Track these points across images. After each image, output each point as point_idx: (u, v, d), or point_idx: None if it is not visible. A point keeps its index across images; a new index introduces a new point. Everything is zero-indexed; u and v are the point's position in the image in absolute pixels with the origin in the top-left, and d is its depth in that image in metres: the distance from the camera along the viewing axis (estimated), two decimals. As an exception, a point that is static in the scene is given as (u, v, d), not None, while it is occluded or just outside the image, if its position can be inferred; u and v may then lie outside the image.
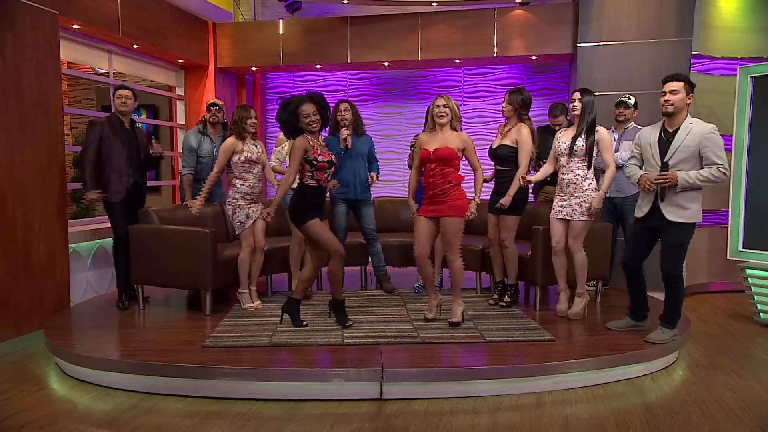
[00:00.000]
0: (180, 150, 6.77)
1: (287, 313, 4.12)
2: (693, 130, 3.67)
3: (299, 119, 3.94)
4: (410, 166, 4.45)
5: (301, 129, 3.96)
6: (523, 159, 4.36)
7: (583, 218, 4.20)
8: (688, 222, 3.72)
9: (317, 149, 3.95)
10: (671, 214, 3.72)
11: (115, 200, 4.63)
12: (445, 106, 4.04)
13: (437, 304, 4.27)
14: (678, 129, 3.71)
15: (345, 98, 5.16)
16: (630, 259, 3.97)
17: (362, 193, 4.95)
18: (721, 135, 3.75)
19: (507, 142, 4.45)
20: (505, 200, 4.37)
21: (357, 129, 4.94)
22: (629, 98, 5.00)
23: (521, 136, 4.38)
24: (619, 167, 4.81)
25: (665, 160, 3.73)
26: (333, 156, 4.06)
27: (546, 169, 4.44)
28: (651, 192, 3.77)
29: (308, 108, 3.92)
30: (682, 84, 3.69)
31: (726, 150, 5.45)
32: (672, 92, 3.69)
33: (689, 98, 3.70)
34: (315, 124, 3.95)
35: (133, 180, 4.69)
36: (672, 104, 3.68)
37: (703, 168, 3.66)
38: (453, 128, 4.09)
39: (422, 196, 4.19)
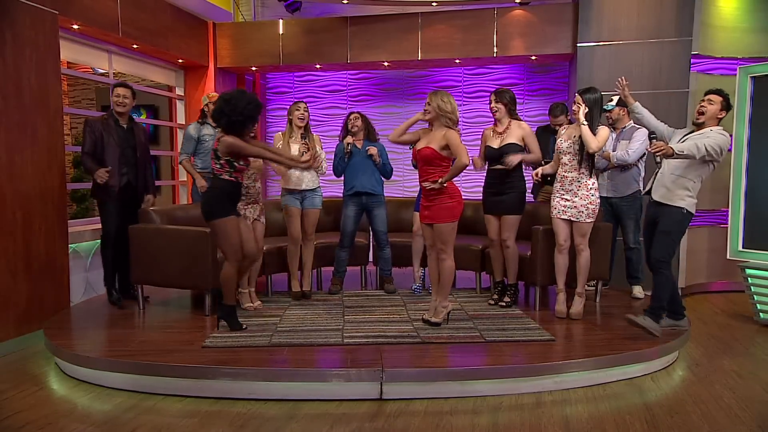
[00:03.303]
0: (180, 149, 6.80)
1: (223, 319, 4.05)
2: (706, 133, 3.88)
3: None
4: (415, 166, 4.43)
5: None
6: (537, 149, 4.42)
7: (589, 220, 4.21)
8: (669, 204, 3.89)
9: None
10: (656, 193, 3.99)
11: (106, 198, 4.62)
12: (428, 103, 3.95)
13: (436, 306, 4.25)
14: None
15: (355, 110, 5.17)
16: (648, 255, 4.09)
17: (371, 187, 4.96)
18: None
19: (513, 140, 4.41)
20: (513, 158, 4.34)
21: (369, 136, 5.02)
22: (611, 100, 4.92)
23: (526, 132, 4.43)
24: (614, 166, 4.81)
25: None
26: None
27: (553, 167, 4.42)
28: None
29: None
30: (720, 98, 3.89)
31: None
32: (708, 102, 3.90)
33: (721, 113, 3.89)
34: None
35: (126, 179, 4.67)
36: (703, 113, 3.90)
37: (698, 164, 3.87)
38: (448, 126, 3.94)
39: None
